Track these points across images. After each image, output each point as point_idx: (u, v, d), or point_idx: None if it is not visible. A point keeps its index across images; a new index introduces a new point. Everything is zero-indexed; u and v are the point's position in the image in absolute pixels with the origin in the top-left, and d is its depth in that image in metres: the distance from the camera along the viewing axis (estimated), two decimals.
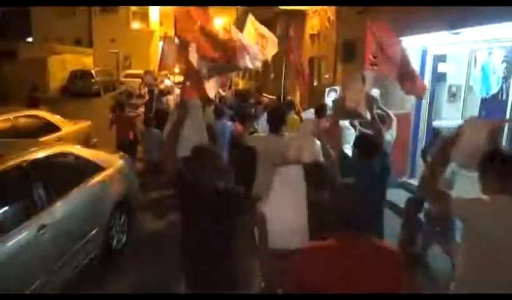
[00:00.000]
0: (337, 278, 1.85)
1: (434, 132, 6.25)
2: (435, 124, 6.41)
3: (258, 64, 7.09)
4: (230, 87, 9.96)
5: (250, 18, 7.54)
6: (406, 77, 5.11)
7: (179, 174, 2.66)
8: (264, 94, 7.41)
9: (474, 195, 2.31)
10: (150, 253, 4.84)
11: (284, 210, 2.77)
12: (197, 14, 5.67)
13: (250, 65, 6.69)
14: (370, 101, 3.82)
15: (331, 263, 1.88)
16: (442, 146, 2.56)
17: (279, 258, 2.58)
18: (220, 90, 7.81)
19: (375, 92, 5.19)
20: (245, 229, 2.73)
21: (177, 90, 8.46)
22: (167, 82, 13.17)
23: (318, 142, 3.13)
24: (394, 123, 4.81)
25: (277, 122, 3.84)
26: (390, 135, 4.66)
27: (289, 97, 8.40)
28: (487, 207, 2.23)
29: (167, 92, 9.34)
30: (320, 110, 5.79)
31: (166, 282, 4.04)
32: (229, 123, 5.97)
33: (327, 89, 5.97)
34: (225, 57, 5.94)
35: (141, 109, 7.86)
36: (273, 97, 8.98)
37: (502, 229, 2.18)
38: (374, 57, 4.88)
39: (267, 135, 3.97)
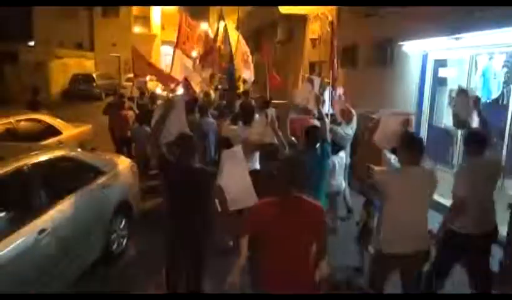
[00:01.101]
0: (279, 226, 2.49)
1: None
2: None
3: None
4: (216, 89, 11.10)
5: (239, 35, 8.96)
6: None
7: (163, 156, 3.36)
8: (274, 100, 7.82)
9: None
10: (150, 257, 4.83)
11: (232, 180, 3.61)
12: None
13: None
14: (317, 100, 4.82)
15: (274, 215, 2.52)
16: (368, 132, 3.91)
17: (234, 216, 3.59)
18: (204, 85, 8.92)
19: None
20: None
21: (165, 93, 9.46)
22: (158, 90, 13.92)
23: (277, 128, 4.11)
24: (354, 118, 5.64)
25: (247, 115, 4.84)
26: (350, 128, 5.58)
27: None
28: (399, 174, 3.19)
29: (154, 95, 9.87)
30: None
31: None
32: (211, 120, 6.71)
33: (305, 79, 6.60)
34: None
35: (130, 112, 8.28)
36: (284, 101, 9.22)
37: (408, 191, 2.99)
38: None
39: (238, 126, 4.91)
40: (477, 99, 4.00)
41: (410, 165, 3.09)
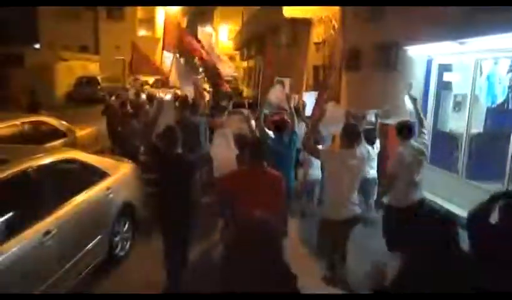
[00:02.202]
0: (247, 190, 3.28)
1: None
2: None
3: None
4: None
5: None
6: None
7: (153, 145, 4.07)
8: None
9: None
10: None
11: (219, 151, 4.64)
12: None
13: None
14: (289, 98, 5.72)
15: (243, 181, 3.42)
16: (315, 119, 4.84)
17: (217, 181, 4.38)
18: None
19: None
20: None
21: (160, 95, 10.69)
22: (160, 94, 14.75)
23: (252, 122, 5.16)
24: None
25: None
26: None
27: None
28: (336, 155, 4.08)
29: (151, 95, 10.32)
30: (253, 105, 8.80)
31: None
32: (200, 118, 7.22)
33: (275, 81, 7.55)
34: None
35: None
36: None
37: (343, 168, 3.86)
38: None
39: (223, 119, 6.06)
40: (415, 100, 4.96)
41: (347, 148, 3.95)
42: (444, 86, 7.08)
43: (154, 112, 4.39)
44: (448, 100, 7.00)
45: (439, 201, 5.97)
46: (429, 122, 7.21)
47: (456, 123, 6.74)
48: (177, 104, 8.17)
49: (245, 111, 5.92)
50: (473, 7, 5.49)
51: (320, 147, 4.75)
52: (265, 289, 1.81)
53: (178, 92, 11.07)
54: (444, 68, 7.02)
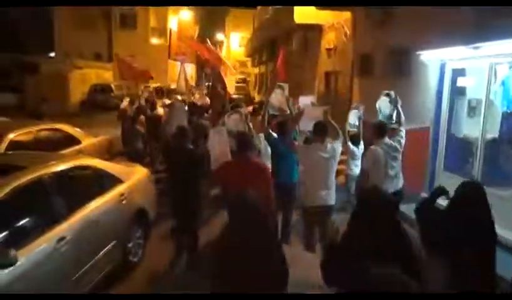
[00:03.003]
0: (235, 178, 3.79)
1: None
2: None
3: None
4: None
5: None
6: None
7: (167, 142, 4.98)
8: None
9: None
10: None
11: (217, 146, 5.03)
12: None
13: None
14: (288, 101, 6.21)
15: (232, 171, 4.05)
16: (294, 117, 5.62)
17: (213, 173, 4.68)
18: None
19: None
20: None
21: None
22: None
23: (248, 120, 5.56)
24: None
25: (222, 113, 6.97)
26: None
27: None
28: (309, 149, 4.58)
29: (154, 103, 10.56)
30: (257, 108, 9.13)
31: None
32: (205, 121, 7.94)
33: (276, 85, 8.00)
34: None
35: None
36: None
37: (315, 160, 4.40)
38: None
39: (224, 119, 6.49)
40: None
41: (317, 142, 4.49)
42: (458, 91, 6.99)
43: (168, 115, 5.61)
44: (462, 106, 6.90)
45: None
46: (442, 127, 7.13)
47: (471, 128, 6.64)
48: (186, 108, 8.63)
49: (242, 110, 6.44)
50: (487, 12, 5.44)
51: (296, 143, 5.26)
52: (255, 265, 2.20)
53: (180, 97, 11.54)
54: (458, 73, 6.94)
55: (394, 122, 5.48)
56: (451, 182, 6.45)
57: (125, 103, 10.54)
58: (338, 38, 12.33)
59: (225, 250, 2.36)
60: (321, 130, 4.53)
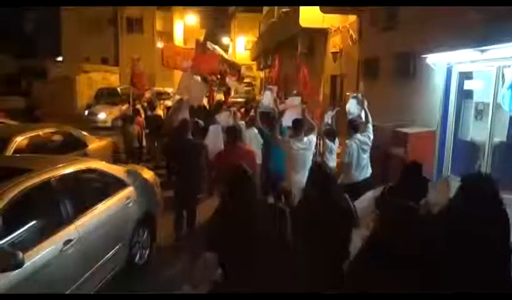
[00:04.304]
0: (229, 160, 4.43)
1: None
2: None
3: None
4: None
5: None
6: None
7: (170, 133, 6.16)
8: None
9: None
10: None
11: (212, 141, 6.34)
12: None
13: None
14: (276, 101, 7.70)
15: (223, 156, 5.17)
16: (278, 114, 6.71)
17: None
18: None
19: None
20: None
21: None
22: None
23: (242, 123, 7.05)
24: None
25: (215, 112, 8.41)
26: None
27: None
28: (290, 142, 5.38)
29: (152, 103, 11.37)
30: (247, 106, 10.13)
31: None
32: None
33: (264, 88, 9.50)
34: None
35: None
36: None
37: (294, 151, 5.29)
38: None
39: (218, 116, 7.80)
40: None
41: (295, 136, 5.42)
42: (465, 94, 6.95)
43: (172, 110, 7.15)
44: (469, 109, 6.86)
45: None
46: (449, 131, 7.09)
47: (478, 132, 6.59)
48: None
49: (232, 109, 8.05)
50: (493, 14, 5.41)
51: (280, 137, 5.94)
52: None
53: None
54: (465, 76, 6.90)
55: (363, 120, 6.18)
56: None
57: (124, 107, 11.67)
58: (344, 41, 12.32)
59: (226, 215, 2.95)
60: (299, 126, 5.48)
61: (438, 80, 7.24)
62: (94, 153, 7.22)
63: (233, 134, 5.29)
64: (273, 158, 6.13)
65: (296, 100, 8.61)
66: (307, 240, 2.95)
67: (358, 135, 5.63)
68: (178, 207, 5.66)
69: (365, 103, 6.35)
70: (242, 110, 9.59)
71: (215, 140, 6.49)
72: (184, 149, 5.61)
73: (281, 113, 6.80)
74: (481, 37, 5.61)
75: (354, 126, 5.74)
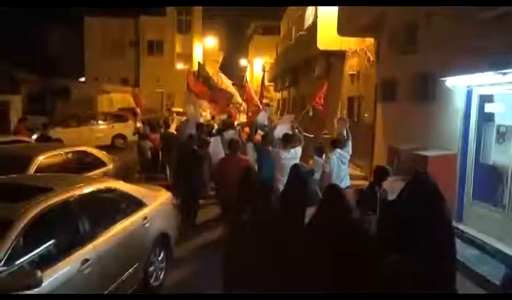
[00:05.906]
0: (225, 169, 6.18)
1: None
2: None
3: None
4: (213, 118, 14.77)
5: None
6: None
7: (181, 145, 7.96)
8: (305, 133, 8.38)
9: None
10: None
11: (215, 151, 7.86)
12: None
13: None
14: (270, 120, 9.36)
15: (224, 164, 6.49)
16: (269, 130, 8.38)
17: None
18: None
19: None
20: None
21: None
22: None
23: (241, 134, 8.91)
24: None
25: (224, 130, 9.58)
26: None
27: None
28: (279, 153, 6.60)
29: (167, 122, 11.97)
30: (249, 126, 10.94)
31: None
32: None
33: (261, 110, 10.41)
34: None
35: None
36: (312, 135, 9.31)
37: (282, 161, 6.49)
38: None
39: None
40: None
41: (284, 148, 6.60)
42: (486, 117, 6.82)
43: (182, 127, 9.28)
44: (491, 132, 6.72)
45: (486, 239, 5.67)
46: (470, 154, 6.94)
47: (500, 155, 6.43)
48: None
49: (237, 127, 9.63)
50: None
51: (270, 148, 7.11)
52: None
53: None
54: (486, 99, 6.79)
55: (346, 137, 7.18)
56: (482, 212, 6.25)
57: (139, 124, 13.54)
58: (361, 64, 12.34)
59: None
60: (287, 140, 6.73)
61: (458, 103, 7.13)
62: (114, 172, 7.32)
63: (233, 146, 6.47)
64: (264, 166, 7.22)
65: (289, 117, 9.38)
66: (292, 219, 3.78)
67: (339, 150, 6.65)
68: (185, 201, 6.93)
69: (347, 123, 7.59)
70: (246, 129, 10.65)
71: (215, 148, 7.91)
72: (190, 157, 7.09)
73: (273, 129, 8.15)
74: (503, 61, 5.54)
75: (336, 142, 6.85)
